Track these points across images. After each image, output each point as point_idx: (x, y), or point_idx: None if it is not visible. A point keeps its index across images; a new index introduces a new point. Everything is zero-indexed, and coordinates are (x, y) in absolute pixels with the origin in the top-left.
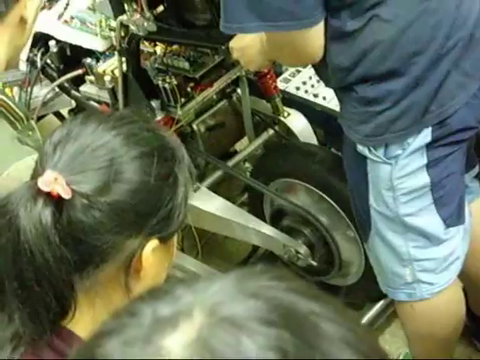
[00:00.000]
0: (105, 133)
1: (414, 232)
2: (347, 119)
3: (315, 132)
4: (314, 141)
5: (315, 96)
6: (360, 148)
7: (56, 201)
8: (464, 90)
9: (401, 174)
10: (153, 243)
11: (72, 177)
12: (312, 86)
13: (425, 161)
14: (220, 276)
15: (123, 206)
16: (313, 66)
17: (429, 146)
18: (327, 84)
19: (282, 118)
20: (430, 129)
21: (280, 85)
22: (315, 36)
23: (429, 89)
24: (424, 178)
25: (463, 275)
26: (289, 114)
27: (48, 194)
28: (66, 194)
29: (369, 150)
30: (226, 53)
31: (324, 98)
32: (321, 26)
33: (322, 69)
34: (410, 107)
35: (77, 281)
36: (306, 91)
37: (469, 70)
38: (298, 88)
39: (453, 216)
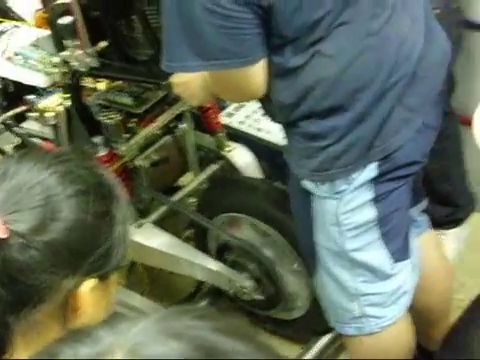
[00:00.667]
0: (41, 171)
1: (361, 267)
2: (292, 154)
3: (260, 166)
4: (258, 175)
5: (259, 130)
6: (306, 183)
7: None
8: (408, 125)
9: (347, 209)
10: (91, 282)
11: (8, 216)
12: (256, 120)
13: (371, 196)
14: (143, 316)
15: (60, 245)
16: (259, 101)
17: (375, 181)
18: (273, 119)
19: (226, 153)
20: (376, 164)
21: (224, 120)
22: (257, 73)
23: (373, 124)
24: (371, 213)
25: (412, 308)
26: (233, 148)
27: None
28: (2, 233)
29: (315, 185)
30: (168, 88)
31: (268, 132)
32: (263, 63)
33: (267, 104)
34: (355, 142)
35: (13, 321)
36: (250, 125)
37: (413, 105)
38: (242, 122)
39: (400, 250)
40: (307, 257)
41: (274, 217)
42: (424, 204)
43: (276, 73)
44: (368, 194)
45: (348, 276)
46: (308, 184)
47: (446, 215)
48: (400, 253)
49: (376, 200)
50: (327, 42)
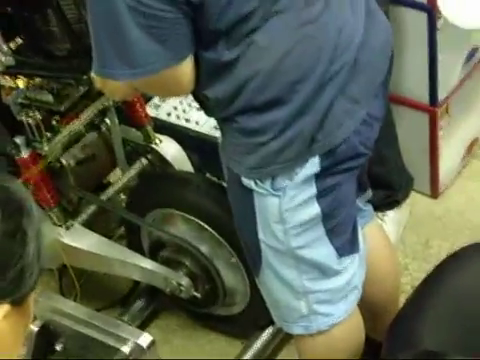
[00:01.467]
0: None
1: (307, 264)
2: (229, 151)
3: (189, 158)
4: (189, 167)
5: (187, 121)
6: (245, 181)
7: None
8: (352, 117)
9: (290, 206)
10: (2, 309)
11: None
12: (184, 111)
13: (314, 191)
14: None
15: None
16: (193, 95)
17: (318, 176)
18: (208, 114)
19: (154, 146)
20: (318, 158)
21: (150, 112)
22: (184, 72)
23: (315, 117)
24: (315, 209)
25: (359, 301)
26: (161, 141)
27: None
28: None
29: (255, 183)
30: (89, 83)
31: (197, 123)
32: (190, 60)
33: (201, 99)
34: (295, 137)
35: None
36: (178, 116)
37: (356, 96)
38: (169, 114)
39: (346, 245)
40: (250, 256)
41: (207, 211)
42: (369, 194)
43: (209, 69)
44: (311, 190)
45: (294, 274)
46: (247, 181)
47: (383, 198)
48: (347, 248)
49: (319, 196)
50: (261, 33)
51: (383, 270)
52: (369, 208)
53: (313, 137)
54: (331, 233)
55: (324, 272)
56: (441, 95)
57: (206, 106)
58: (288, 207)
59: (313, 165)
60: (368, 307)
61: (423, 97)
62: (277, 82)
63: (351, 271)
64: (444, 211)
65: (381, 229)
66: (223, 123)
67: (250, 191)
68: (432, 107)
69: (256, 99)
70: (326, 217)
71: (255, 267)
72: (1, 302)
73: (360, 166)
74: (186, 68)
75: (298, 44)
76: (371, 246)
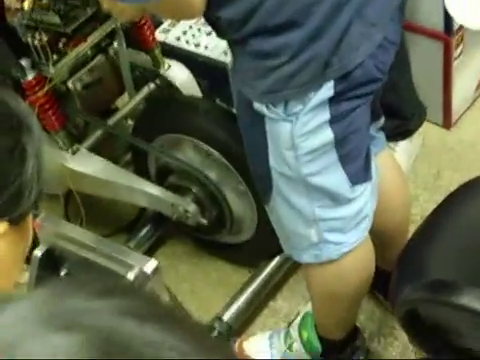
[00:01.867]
0: None
1: (318, 192)
2: (241, 74)
3: (198, 83)
4: (198, 93)
5: (197, 46)
6: (257, 106)
7: None
8: (368, 41)
9: (303, 131)
10: (2, 226)
11: None
12: (193, 36)
13: (328, 116)
14: (21, 297)
15: None
16: (205, 17)
17: (332, 100)
18: (220, 36)
19: (163, 71)
20: (332, 83)
21: (159, 36)
22: None
23: (330, 41)
24: (327, 134)
25: (369, 230)
26: (170, 66)
27: None
28: None
29: (267, 107)
30: (97, 5)
31: (206, 47)
32: None
33: (213, 21)
34: (310, 61)
35: None
36: (187, 41)
37: (373, 19)
38: (178, 38)
39: (359, 173)
40: (260, 184)
41: (216, 137)
42: (382, 121)
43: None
44: (324, 115)
45: (305, 201)
46: (259, 106)
47: (395, 127)
48: (359, 176)
49: (333, 121)
50: None
51: (394, 199)
52: (381, 136)
53: (328, 61)
54: (344, 160)
55: (336, 200)
56: (456, 24)
57: (218, 27)
58: (300, 133)
59: (327, 89)
60: (378, 236)
61: (438, 25)
62: (291, 4)
63: (363, 199)
64: (456, 142)
65: (393, 158)
66: (235, 46)
67: (262, 116)
68: (447, 36)
69: (270, 21)
70: (339, 143)
71: (265, 194)
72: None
73: (375, 91)
74: None
75: None
76: (382, 175)
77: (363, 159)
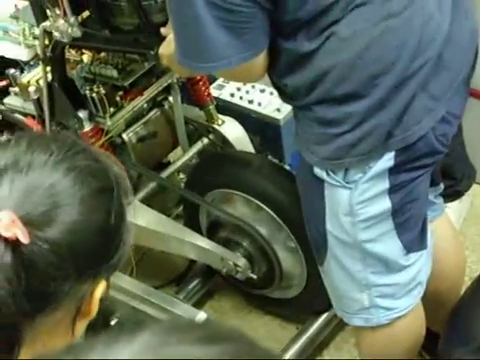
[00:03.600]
0: (57, 167)
1: (373, 258)
2: (304, 139)
3: (251, 140)
4: (250, 149)
5: (250, 102)
6: (317, 171)
7: (13, 245)
8: (430, 114)
9: (361, 199)
10: (103, 285)
11: (27, 219)
12: (247, 92)
13: (387, 186)
14: (124, 342)
15: (83, 251)
16: (272, 82)
17: (392, 171)
18: (284, 101)
19: (216, 126)
20: (393, 154)
21: (214, 92)
22: (257, 64)
23: (393, 113)
24: (385, 203)
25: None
26: (224, 122)
27: (5, 238)
28: (25, 239)
29: (327, 173)
30: (155, 59)
31: (259, 104)
32: (264, 54)
33: (279, 86)
34: (372, 131)
35: (25, 328)
36: (241, 97)
37: (436, 93)
38: (233, 94)
39: (414, 242)
40: (316, 246)
41: (268, 193)
42: (441, 188)
43: (289, 58)
44: (384, 184)
45: (359, 267)
46: (319, 171)
47: (445, 188)
48: (415, 244)
49: (391, 190)
50: (343, 24)
51: (450, 264)
52: (440, 201)
53: (390, 132)
54: (400, 228)
55: (390, 267)
56: None
57: (284, 93)
58: (359, 200)
59: (388, 160)
60: (431, 300)
61: None
62: (357, 75)
63: (417, 267)
64: None
65: (450, 223)
66: (299, 111)
67: (321, 181)
68: None
69: (334, 91)
70: (396, 212)
71: (319, 256)
72: (102, 279)
73: (435, 163)
74: (260, 60)
75: (380, 37)
76: (439, 240)
77: (419, 228)
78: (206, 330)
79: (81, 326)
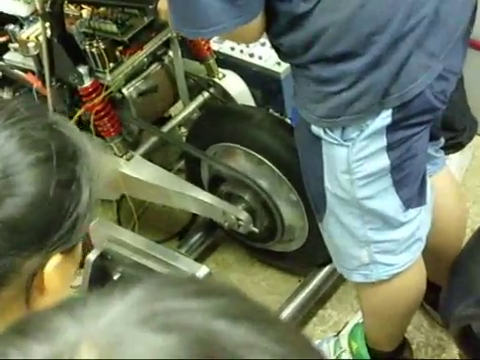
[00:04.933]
0: None
1: (371, 215)
2: (301, 98)
3: (252, 93)
4: (251, 103)
5: (251, 56)
6: (315, 129)
7: None
8: (427, 71)
9: (359, 157)
10: (56, 259)
11: None
12: (247, 46)
13: (385, 143)
14: (117, 297)
15: (21, 224)
16: (268, 39)
17: (389, 128)
18: (281, 59)
19: (217, 80)
20: (390, 111)
21: (214, 46)
22: (254, 28)
23: (389, 70)
24: (383, 161)
25: (424, 248)
26: (224, 75)
27: None
28: None
29: (324, 131)
30: (154, 13)
31: (260, 58)
32: (260, 17)
33: (275, 45)
34: (368, 89)
35: None
36: (241, 51)
37: (434, 49)
38: (233, 48)
39: (413, 198)
40: (315, 203)
41: (269, 146)
42: (441, 142)
43: (285, 19)
44: (381, 141)
45: (358, 223)
46: (317, 130)
47: (446, 140)
48: (413, 200)
49: (389, 148)
50: None
51: (451, 219)
52: (441, 155)
53: (386, 90)
54: (398, 185)
55: (389, 223)
56: None
57: (280, 52)
58: (356, 158)
59: (385, 117)
60: (432, 253)
61: None
62: (352, 34)
63: (416, 223)
64: None
65: (451, 177)
66: (296, 69)
67: (319, 139)
68: None
69: (330, 50)
70: (395, 169)
71: (319, 213)
72: (53, 253)
73: (433, 119)
74: (256, 24)
75: None
76: (440, 194)
77: (418, 184)
78: (199, 285)
79: (42, 303)
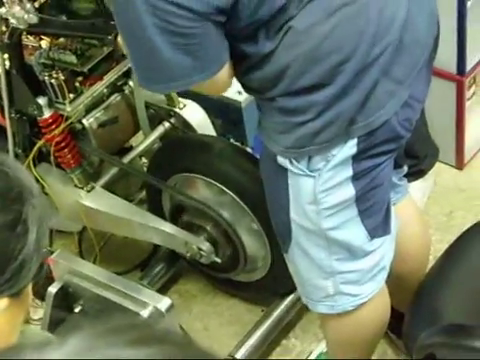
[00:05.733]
0: None
1: (337, 245)
2: (266, 129)
3: (213, 123)
4: (212, 132)
5: None
6: (280, 160)
7: None
8: (394, 99)
9: (325, 187)
10: (2, 303)
11: None
12: None
13: (351, 173)
14: (54, 348)
15: None
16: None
17: (355, 158)
18: (248, 93)
19: (178, 110)
20: (356, 141)
21: None
22: (220, 78)
23: (356, 99)
24: (349, 190)
25: (388, 276)
26: (185, 105)
27: None
28: None
29: (290, 162)
30: (114, 44)
31: None
32: (226, 67)
33: (242, 82)
34: (335, 118)
35: None
36: None
37: (399, 77)
38: None
39: (378, 227)
40: (280, 234)
41: (230, 176)
42: (405, 170)
43: (252, 61)
44: (347, 171)
45: (323, 254)
46: (283, 160)
47: (408, 167)
48: (379, 229)
49: (355, 177)
50: (299, 18)
51: (415, 246)
52: (404, 183)
53: (353, 119)
54: (364, 215)
55: (354, 253)
56: (469, 65)
57: (249, 88)
58: (323, 188)
59: (351, 147)
60: (397, 281)
61: (451, 66)
62: (317, 66)
63: (381, 252)
64: (469, 182)
65: (414, 204)
66: (261, 101)
67: (285, 170)
68: (459, 76)
69: (297, 83)
70: (360, 199)
71: (284, 244)
72: (0, 297)
73: (398, 148)
74: (224, 74)
75: (337, 27)
76: (404, 221)
77: (383, 213)
78: (140, 332)
79: None
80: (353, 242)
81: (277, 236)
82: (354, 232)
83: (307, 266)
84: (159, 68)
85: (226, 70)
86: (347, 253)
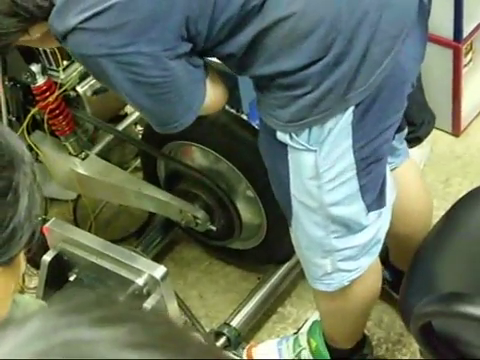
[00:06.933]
0: None
1: (336, 222)
2: (265, 105)
3: None
4: None
5: None
6: (280, 135)
7: None
8: (390, 55)
9: (326, 160)
10: None
11: None
12: None
13: (350, 142)
14: (12, 331)
15: None
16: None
17: (355, 127)
18: (243, 75)
19: None
20: (354, 108)
21: None
22: (212, 99)
23: (351, 64)
24: (350, 161)
25: (389, 234)
26: None
27: None
28: None
29: (290, 137)
30: None
31: None
32: (210, 89)
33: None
34: (332, 87)
35: None
36: None
37: (392, 32)
38: None
39: (375, 201)
40: (282, 207)
41: (225, 144)
42: (405, 133)
43: (236, 58)
44: (347, 141)
45: (322, 233)
46: (282, 136)
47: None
48: (375, 203)
49: (355, 148)
50: (268, 8)
51: (415, 208)
52: (404, 147)
53: (350, 85)
54: (364, 189)
55: (351, 228)
56: (466, 31)
57: (243, 73)
58: (324, 162)
59: (350, 115)
60: (400, 243)
61: (447, 33)
62: (304, 46)
63: (377, 226)
64: (465, 149)
65: (416, 167)
66: (259, 81)
67: (285, 146)
68: (456, 43)
69: (289, 65)
70: (360, 173)
71: (289, 219)
72: None
73: (398, 120)
74: (211, 95)
75: (309, 4)
76: (406, 185)
77: (380, 186)
78: (105, 310)
79: None
80: (352, 217)
81: (282, 210)
82: (354, 207)
83: (307, 244)
84: (159, 116)
85: (213, 91)
86: (345, 230)
